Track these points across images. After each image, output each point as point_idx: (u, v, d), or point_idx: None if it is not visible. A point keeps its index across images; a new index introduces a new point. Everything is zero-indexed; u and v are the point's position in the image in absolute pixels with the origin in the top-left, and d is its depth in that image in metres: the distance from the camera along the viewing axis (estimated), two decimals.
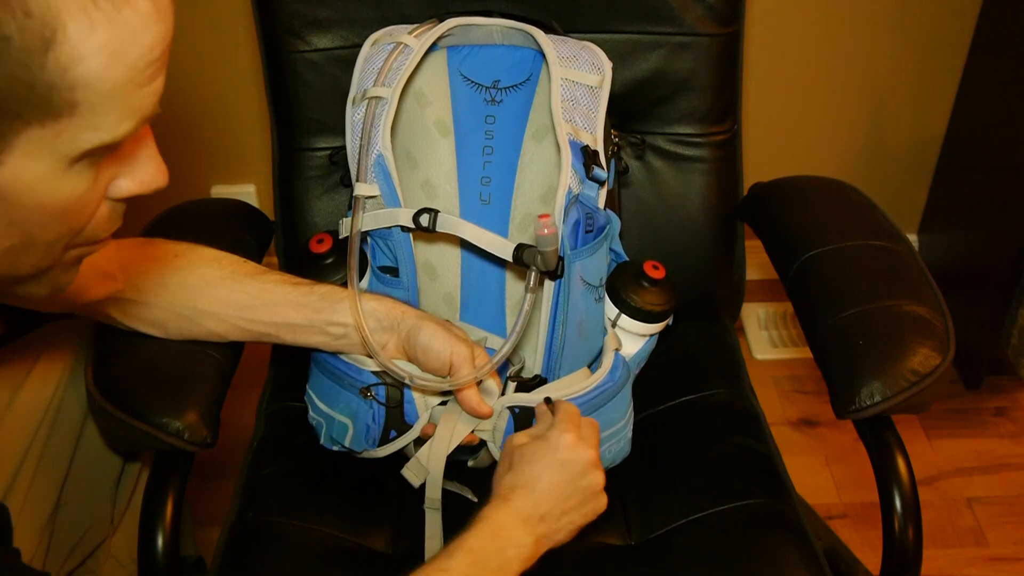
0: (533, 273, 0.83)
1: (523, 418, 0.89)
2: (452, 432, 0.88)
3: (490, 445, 0.90)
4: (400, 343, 0.88)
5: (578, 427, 0.83)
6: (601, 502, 0.83)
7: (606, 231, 0.90)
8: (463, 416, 0.88)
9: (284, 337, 0.89)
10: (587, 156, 0.89)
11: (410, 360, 0.88)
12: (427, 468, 0.88)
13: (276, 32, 1.08)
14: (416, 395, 0.89)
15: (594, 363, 0.96)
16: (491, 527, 0.76)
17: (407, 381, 0.86)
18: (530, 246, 0.83)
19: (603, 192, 0.90)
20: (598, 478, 0.82)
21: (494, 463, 0.90)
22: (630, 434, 0.98)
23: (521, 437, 0.84)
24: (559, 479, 0.80)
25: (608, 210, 0.96)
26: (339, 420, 0.92)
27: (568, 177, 0.87)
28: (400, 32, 0.97)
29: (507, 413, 0.89)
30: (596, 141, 0.91)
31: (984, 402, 1.74)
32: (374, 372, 0.89)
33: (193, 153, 1.78)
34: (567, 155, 0.88)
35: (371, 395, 0.89)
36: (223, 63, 1.66)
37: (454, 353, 0.85)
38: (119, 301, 0.88)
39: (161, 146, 1.85)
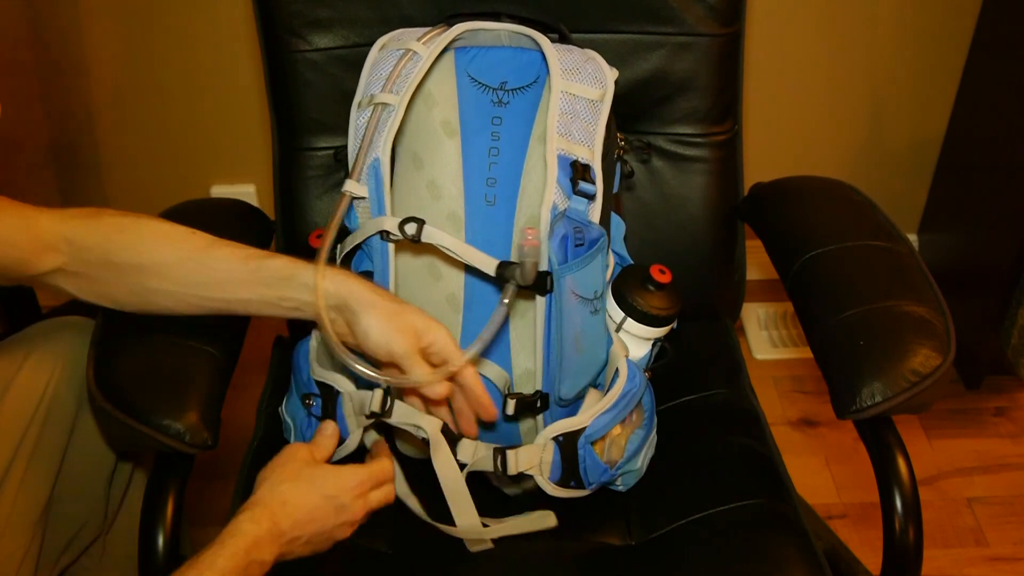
0: (510, 286, 0.84)
1: (568, 446, 0.88)
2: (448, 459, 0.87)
3: (538, 479, 0.89)
4: (347, 324, 0.85)
5: (377, 484, 0.84)
6: (328, 546, 0.84)
7: (599, 244, 0.90)
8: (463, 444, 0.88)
9: (238, 310, 0.87)
10: (575, 171, 0.88)
11: (355, 348, 0.85)
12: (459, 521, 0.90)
13: (276, 32, 1.08)
14: (348, 411, 0.90)
15: (599, 377, 0.96)
16: (246, 543, 0.74)
17: (360, 371, 0.82)
18: (512, 263, 0.84)
19: (594, 206, 0.89)
20: (346, 534, 0.84)
21: (537, 491, 0.91)
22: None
23: (306, 453, 0.83)
24: (327, 517, 0.81)
25: (614, 214, 0.96)
26: (285, 419, 0.96)
27: (552, 193, 0.87)
28: (409, 38, 0.96)
29: (552, 445, 0.88)
30: (592, 155, 0.90)
31: (984, 402, 1.74)
32: (318, 381, 0.90)
33: (193, 153, 1.78)
34: (553, 171, 0.88)
35: (309, 403, 0.91)
36: (223, 63, 1.66)
37: (392, 348, 0.81)
38: (68, 275, 0.86)
39: (161, 146, 1.85)
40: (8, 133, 1.70)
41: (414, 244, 0.89)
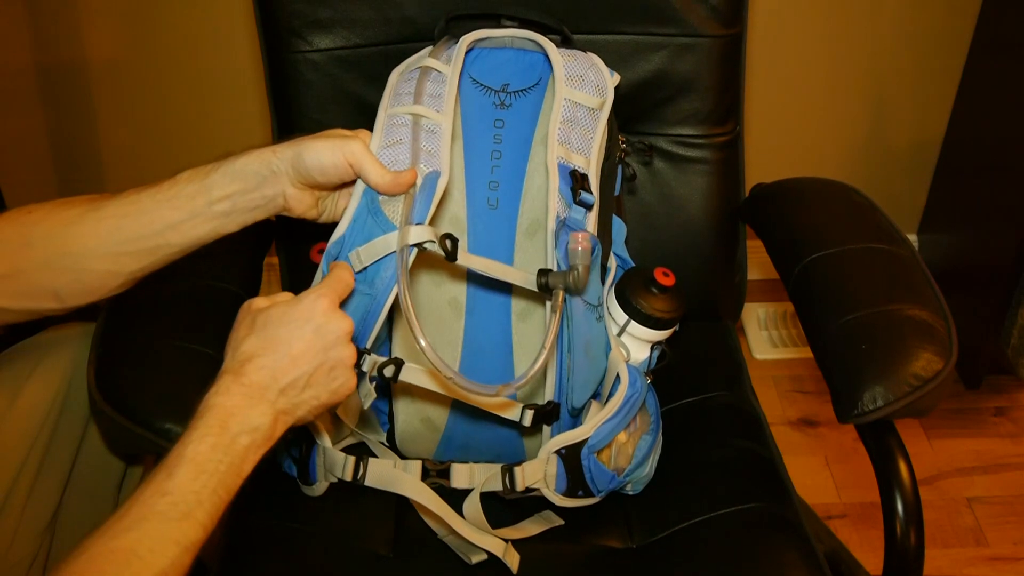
0: (559, 293, 0.81)
1: (571, 458, 0.88)
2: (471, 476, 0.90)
3: (545, 492, 0.90)
4: (295, 181, 0.80)
5: (340, 296, 0.76)
6: (351, 381, 0.75)
7: (596, 252, 0.88)
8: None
9: (174, 241, 0.79)
10: (575, 180, 0.88)
11: (313, 190, 0.82)
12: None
13: (277, 32, 1.08)
14: (319, 464, 0.92)
15: (600, 385, 0.96)
16: (218, 418, 0.67)
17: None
18: (549, 270, 0.83)
19: (591, 216, 0.89)
20: (350, 352, 0.74)
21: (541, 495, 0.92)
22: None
23: (263, 302, 0.74)
24: (310, 345, 0.71)
25: (615, 216, 0.95)
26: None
27: (555, 203, 0.86)
28: (417, 61, 0.96)
29: (555, 458, 0.89)
30: (588, 164, 0.90)
31: (984, 402, 1.75)
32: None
33: (193, 153, 1.77)
34: (554, 180, 0.87)
35: (288, 436, 0.91)
36: (223, 63, 1.66)
37: (347, 154, 0.78)
38: None
39: (161, 146, 1.85)
40: (8, 132, 1.70)
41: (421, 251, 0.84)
